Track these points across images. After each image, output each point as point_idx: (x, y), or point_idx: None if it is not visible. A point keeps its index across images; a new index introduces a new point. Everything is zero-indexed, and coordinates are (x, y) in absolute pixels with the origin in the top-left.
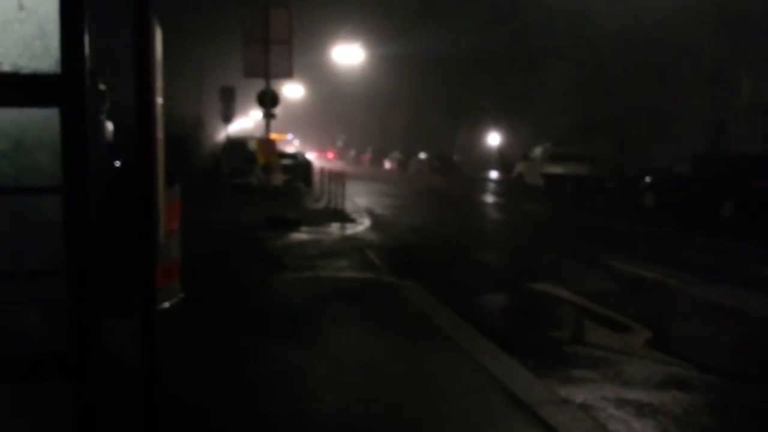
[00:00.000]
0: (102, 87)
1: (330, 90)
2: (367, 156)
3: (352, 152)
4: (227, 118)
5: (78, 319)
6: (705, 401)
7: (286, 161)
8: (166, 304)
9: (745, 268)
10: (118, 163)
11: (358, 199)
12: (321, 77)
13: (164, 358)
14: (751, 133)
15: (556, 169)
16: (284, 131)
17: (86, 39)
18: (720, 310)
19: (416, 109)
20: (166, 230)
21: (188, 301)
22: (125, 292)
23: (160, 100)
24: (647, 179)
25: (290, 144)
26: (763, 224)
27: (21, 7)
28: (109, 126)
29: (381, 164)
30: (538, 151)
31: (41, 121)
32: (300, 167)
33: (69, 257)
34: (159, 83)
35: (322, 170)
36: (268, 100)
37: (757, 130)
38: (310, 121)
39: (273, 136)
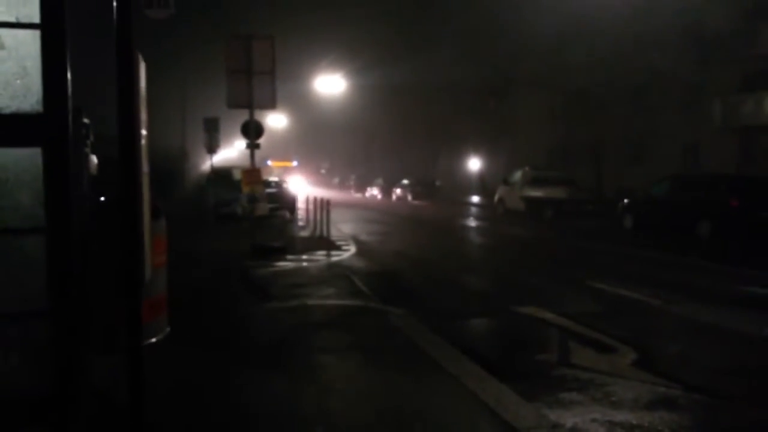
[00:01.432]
0: (86, 120)
1: (313, 118)
2: (350, 183)
3: (336, 179)
4: (212, 149)
5: (61, 361)
6: (692, 422)
7: (271, 190)
8: (153, 340)
9: (724, 287)
10: (102, 198)
11: (344, 226)
12: (304, 106)
13: (151, 393)
14: (723, 155)
15: (535, 193)
16: (282, 159)
17: (68, 77)
18: (703, 329)
19: (398, 135)
20: (152, 264)
21: (175, 334)
22: (111, 328)
23: (144, 133)
24: (625, 201)
25: (292, 171)
26: (740, 243)
27: (1, 47)
28: (94, 159)
29: (364, 191)
30: (517, 175)
31: (23, 161)
32: (285, 196)
33: (52, 299)
34: (143, 116)
35: (307, 198)
36: (252, 131)
37: (730, 151)
38: (293, 149)
39: (278, 163)
